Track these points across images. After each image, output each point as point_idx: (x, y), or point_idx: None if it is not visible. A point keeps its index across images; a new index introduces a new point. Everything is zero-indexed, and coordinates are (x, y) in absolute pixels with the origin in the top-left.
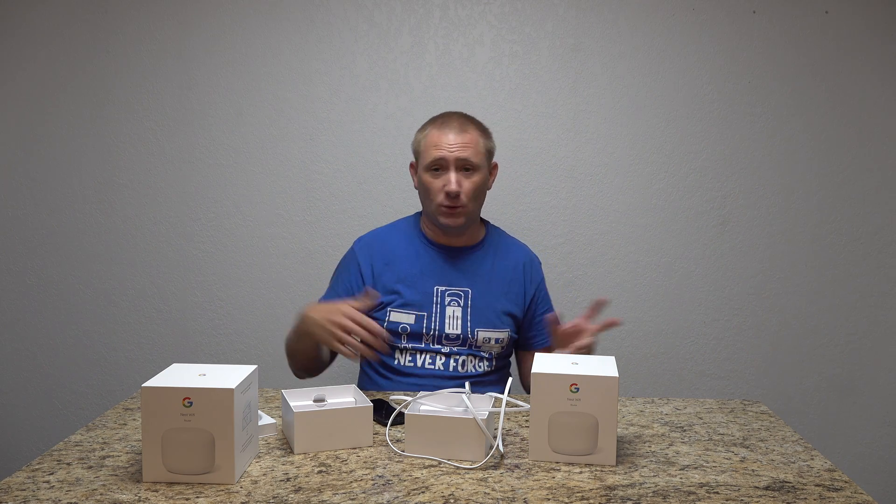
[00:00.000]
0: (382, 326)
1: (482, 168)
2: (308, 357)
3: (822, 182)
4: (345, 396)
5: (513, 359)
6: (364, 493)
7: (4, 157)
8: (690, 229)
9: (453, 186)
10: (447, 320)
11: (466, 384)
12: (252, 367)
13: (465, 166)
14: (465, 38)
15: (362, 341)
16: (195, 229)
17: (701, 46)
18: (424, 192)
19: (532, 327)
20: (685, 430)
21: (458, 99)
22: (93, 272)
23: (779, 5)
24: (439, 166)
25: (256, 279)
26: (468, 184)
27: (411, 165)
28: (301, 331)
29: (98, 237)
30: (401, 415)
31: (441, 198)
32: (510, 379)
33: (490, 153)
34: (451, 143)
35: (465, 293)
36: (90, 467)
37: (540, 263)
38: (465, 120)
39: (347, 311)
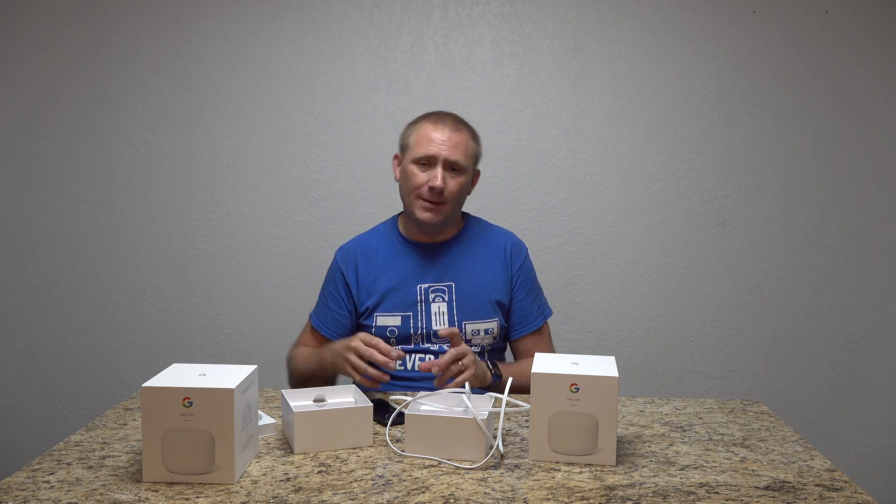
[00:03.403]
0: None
1: (468, 171)
2: (321, 382)
3: (822, 182)
4: (345, 396)
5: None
6: (364, 493)
7: (4, 157)
8: (690, 229)
9: (438, 182)
10: (433, 317)
11: (466, 384)
12: (252, 367)
13: (452, 167)
14: (465, 38)
15: (371, 363)
16: (195, 229)
17: (701, 46)
18: (407, 182)
19: (512, 314)
20: (685, 430)
21: (458, 99)
22: (93, 272)
23: (779, 5)
24: (428, 161)
25: (256, 279)
26: (453, 184)
27: (395, 157)
28: (326, 362)
29: (98, 237)
30: (401, 415)
31: (424, 191)
32: (510, 379)
33: (476, 158)
34: (443, 140)
35: (449, 287)
36: (90, 467)
37: (525, 249)
38: (458, 121)
39: (362, 337)
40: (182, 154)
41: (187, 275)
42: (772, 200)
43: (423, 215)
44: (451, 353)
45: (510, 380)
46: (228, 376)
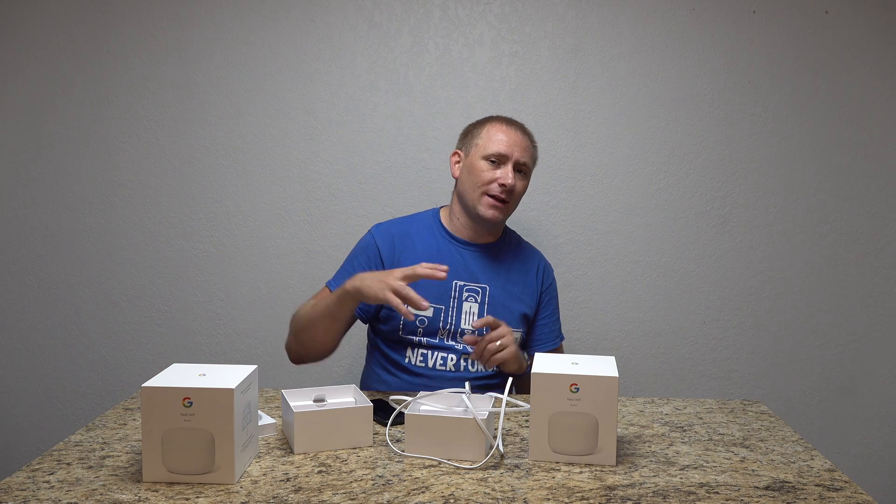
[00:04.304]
0: (399, 320)
1: (529, 176)
2: (331, 329)
3: (822, 182)
4: (345, 396)
5: None
6: (364, 493)
7: (4, 157)
8: (690, 229)
9: (510, 180)
10: (464, 315)
11: (466, 384)
12: (252, 367)
13: (521, 169)
14: (465, 38)
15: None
16: (195, 229)
17: (701, 46)
18: (474, 178)
19: (533, 331)
20: (685, 430)
21: (458, 99)
22: (93, 272)
23: (779, 5)
24: (499, 159)
25: (256, 279)
26: (520, 185)
27: (455, 154)
28: (347, 295)
29: (98, 237)
30: (401, 415)
31: (494, 188)
32: (510, 379)
33: (534, 165)
34: (515, 141)
35: (483, 290)
36: (90, 467)
37: (552, 270)
38: (524, 127)
39: (399, 276)
40: (182, 154)
41: (187, 275)
42: (772, 200)
43: (489, 212)
44: (492, 329)
45: (510, 380)
46: (228, 376)
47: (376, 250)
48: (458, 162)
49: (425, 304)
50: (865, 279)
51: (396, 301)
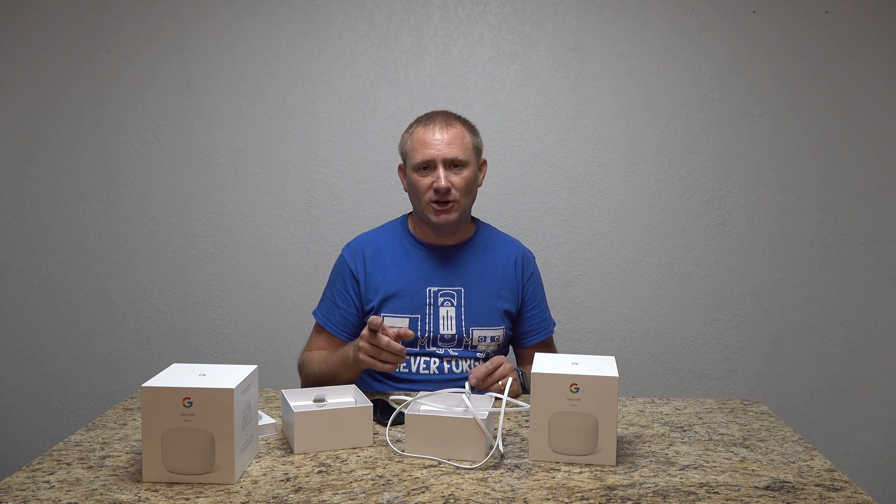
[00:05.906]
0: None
1: (471, 164)
2: (350, 379)
3: (822, 182)
4: (345, 396)
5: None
6: (364, 493)
7: (4, 157)
8: (690, 229)
9: (442, 182)
10: (441, 321)
11: (466, 384)
12: (252, 367)
13: (453, 163)
14: (465, 38)
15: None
16: (195, 229)
17: (701, 46)
18: (414, 191)
19: (523, 323)
20: (685, 430)
21: (458, 99)
22: (93, 272)
23: (779, 5)
24: (428, 165)
25: (256, 279)
26: (457, 179)
27: (400, 168)
28: (350, 360)
29: (98, 237)
30: (401, 415)
31: (430, 195)
32: (510, 379)
33: (478, 149)
34: (437, 140)
35: (458, 292)
36: (90, 467)
37: (533, 258)
38: (449, 117)
39: (365, 336)
40: (182, 154)
41: (187, 275)
42: (772, 200)
43: (438, 218)
44: (487, 366)
45: (510, 380)
46: (228, 376)
47: (349, 271)
48: (405, 176)
49: (410, 333)
50: (865, 279)
51: (387, 367)
